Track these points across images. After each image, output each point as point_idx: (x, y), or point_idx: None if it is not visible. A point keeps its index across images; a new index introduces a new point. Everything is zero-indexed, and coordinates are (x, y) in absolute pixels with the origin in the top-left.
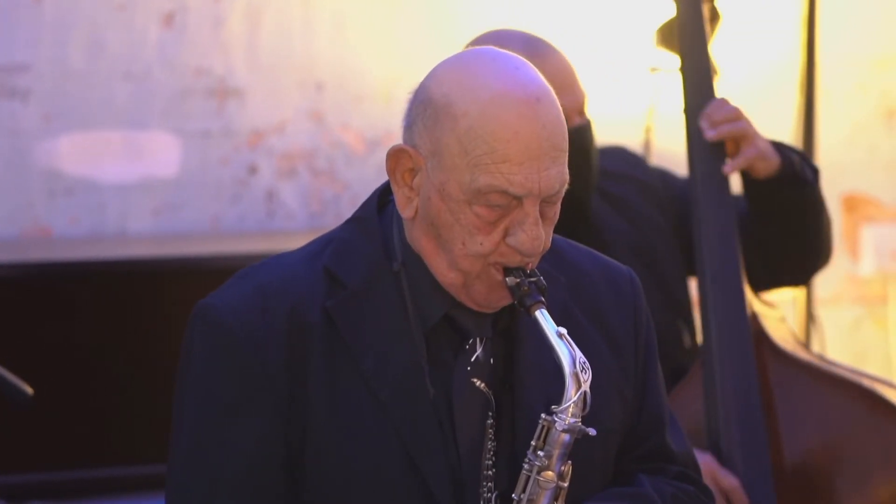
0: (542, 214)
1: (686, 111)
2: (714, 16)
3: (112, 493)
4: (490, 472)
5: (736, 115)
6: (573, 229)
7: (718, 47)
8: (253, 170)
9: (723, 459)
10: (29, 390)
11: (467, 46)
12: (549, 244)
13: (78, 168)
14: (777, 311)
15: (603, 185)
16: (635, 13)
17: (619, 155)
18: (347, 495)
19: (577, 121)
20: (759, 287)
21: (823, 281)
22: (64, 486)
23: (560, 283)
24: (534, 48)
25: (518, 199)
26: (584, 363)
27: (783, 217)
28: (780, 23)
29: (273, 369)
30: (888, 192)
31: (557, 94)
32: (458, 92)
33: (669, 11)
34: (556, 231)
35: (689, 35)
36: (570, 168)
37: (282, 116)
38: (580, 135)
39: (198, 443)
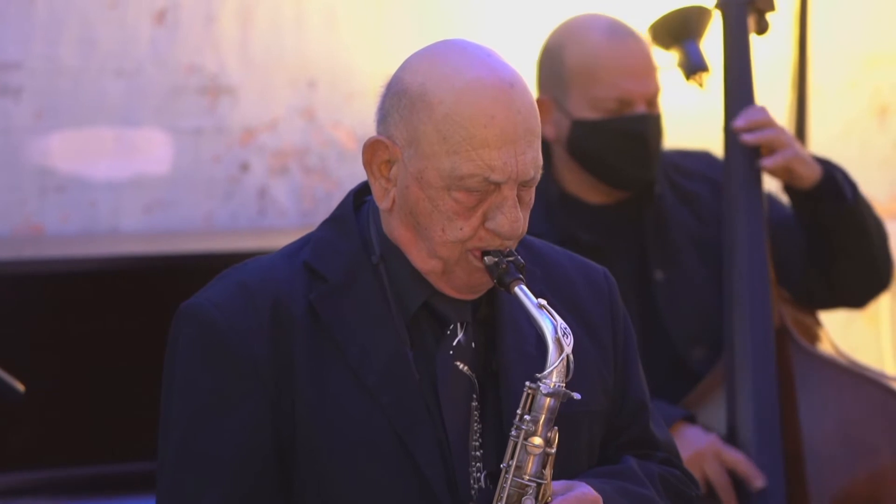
0: (519, 199)
1: (725, 114)
2: (762, 27)
3: (106, 491)
4: (478, 453)
5: (772, 122)
6: (639, 211)
7: (709, 45)
8: (245, 167)
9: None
10: (20, 387)
11: (555, 32)
12: (526, 228)
13: (70, 165)
14: (810, 316)
15: (675, 179)
16: (632, 9)
17: (702, 158)
18: (340, 481)
19: (641, 109)
20: (818, 305)
21: None
22: (56, 484)
23: (536, 275)
24: (614, 31)
25: (496, 184)
26: (566, 329)
27: (830, 232)
28: (772, 20)
29: (259, 361)
30: (881, 189)
31: (628, 79)
32: (433, 80)
33: (664, 8)
34: (622, 210)
35: (733, 40)
36: (627, 154)
37: (273, 114)
38: (640, 123)
39: (189, 436)
